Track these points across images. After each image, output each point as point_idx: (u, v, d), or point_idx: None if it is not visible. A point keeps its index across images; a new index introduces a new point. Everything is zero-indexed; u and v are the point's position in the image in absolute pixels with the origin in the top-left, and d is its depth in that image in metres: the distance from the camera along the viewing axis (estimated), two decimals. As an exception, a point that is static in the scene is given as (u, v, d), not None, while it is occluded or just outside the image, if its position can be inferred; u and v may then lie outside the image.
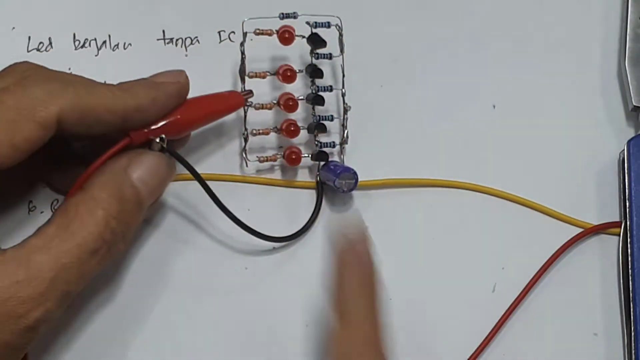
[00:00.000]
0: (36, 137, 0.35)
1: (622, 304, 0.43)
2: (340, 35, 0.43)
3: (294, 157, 0.43)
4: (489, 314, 0.43)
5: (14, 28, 0.45)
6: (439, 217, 0.44)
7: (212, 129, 0.43)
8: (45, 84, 0.36)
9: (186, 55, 0.45)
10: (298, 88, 0.44)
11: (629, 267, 0.43)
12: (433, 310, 0.43)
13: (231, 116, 0.43)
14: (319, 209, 0.43)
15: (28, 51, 0.44)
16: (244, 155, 0.43)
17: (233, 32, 0.45)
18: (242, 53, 0.43)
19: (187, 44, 0.45)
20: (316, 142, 0.43)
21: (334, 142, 0.43)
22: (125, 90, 0.38)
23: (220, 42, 0.45)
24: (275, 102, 0.43)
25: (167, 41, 0.45)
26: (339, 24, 0.43)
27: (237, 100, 0.42)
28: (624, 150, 0.44)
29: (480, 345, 0.42)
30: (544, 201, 0.45)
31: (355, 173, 0.42)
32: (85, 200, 0.36)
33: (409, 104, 0.45)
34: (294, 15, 0.43)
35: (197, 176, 0.40)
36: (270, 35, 0.43)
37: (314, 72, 0.43)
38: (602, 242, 0.45)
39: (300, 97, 0.43)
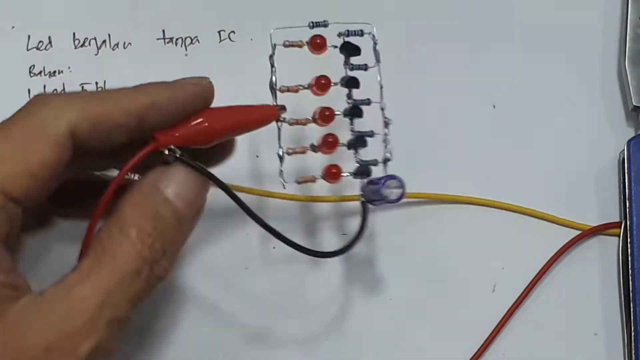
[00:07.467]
0: (52, 159, 0.33)
1: (622, 304, 0.43)
2: (375, 44, 0.40)
3: (334, 171, 0.39)
4: (489, 314, 0.43)
5: (13, 27, 0.45)
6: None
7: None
8: (50, 103, 0.34)
9: (186, 55, 0.45)
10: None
11: (629, 267, 0.43)
12: (433, 310, 0.43)
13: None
14: (364, 226, 0.40)
15: (27, 50, 0.44)
16: (281, 177, 0.38)
17: (233, 32, 0.46)
18: (272, 65, 0.39)
19: (187, 44, 0.45)
20: (356, 159, 0.39)
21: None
22: (138, 89, 0.36)
23: (220, 42, 0.45)
24: (310, 117, 0.39)
25: (167, 41, 0.45)
26: (373, 32, 0.40)
27: (270, 112, 0.38)
28: (624, 150, 0.44)
29: (481, 346, 0.42)
30: (543, 201, 0.45)
31: (401, 180, 0.38)
32: (116, 222, 0.34)
33: (409, 104, 0.46)
34: (324, 24, 0.39)
35: (224, 187, 0.36)
36: (300, 47, 0.39)
37: (350, 83, 0.39)
38: (602, 243, 0.44)
39: (337, 112, 0.39)
